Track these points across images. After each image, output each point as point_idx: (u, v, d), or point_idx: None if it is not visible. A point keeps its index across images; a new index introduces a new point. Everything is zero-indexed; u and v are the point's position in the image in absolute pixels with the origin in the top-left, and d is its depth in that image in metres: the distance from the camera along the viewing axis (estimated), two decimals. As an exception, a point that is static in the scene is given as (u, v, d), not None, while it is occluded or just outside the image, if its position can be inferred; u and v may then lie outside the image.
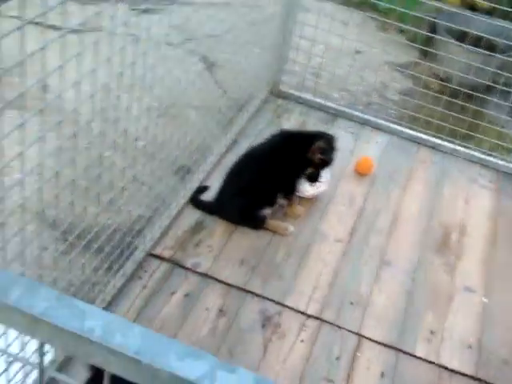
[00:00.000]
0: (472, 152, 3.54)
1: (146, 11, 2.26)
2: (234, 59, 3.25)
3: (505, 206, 3.25)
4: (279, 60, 3.63)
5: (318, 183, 2.94)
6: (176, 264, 2.58)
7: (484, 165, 3.50)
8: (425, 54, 4.25)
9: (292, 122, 3.53)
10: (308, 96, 3.68)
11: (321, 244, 2.82)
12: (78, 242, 2.13)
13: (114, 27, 1.91)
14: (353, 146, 3.43)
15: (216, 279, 2.56)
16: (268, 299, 2.52)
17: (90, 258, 2.23)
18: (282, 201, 2.86)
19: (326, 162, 2.82)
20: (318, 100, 3.67)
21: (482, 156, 3.52)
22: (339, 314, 2.53)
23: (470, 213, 3.16)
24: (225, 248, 2.70)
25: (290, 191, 2.85)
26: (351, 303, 2.58)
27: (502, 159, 3.53)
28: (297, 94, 3.69)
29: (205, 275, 2.56)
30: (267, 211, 2.79)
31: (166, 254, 2.61)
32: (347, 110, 3.67)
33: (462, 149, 3.53)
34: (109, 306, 2.34)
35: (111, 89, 1.97)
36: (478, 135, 3.59)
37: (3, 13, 1.44)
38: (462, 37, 4.02)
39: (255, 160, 2.82)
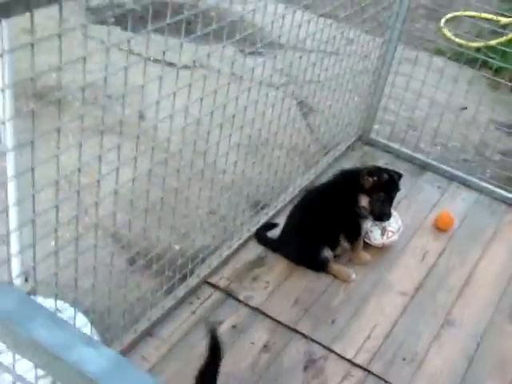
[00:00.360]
0: None
1: (252, 53, 2.35)
2: (331, 105, 3.26)
3: None
4: (370, 108, 3.60)
5: (388, 232, 2.86)
6: (229, 295, 2.58)
7: None
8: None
9: (377, 170, 3.45)
10: (396, 145, 3.60)
11: (383, 295, 2.71)
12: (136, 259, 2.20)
13: (220, 66, 2.03)
14: (436, 200, 3.30)
15: (266, 315, 2.53)
16: (315, 342, 2.45)
17: (147, 278, 2.28)
18: (345, 244, 2.79)
19: (380, 187, 2.68)
20: (407, 150, 3.58)
21: None
22: (389, 368, 2.41)
23: (555, 283, 2.92)
24: (281, 285, 2.67)
25: (352, 234, 2.78)
26: (404, 359, 2.45)
27: None
28: (385, 142, 3.63)
29: (255, 309, 2.54)
30: (329, 254, 2.73)
31: (222, 283, 2.62)
32: (436, 163, 3.54)
33: (556, 214, 3.29)
34: (155, 325, 2.38)
35: (202, 123, 2.09)
36: None
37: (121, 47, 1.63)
38: None
39: (314, 198, 2.79)
